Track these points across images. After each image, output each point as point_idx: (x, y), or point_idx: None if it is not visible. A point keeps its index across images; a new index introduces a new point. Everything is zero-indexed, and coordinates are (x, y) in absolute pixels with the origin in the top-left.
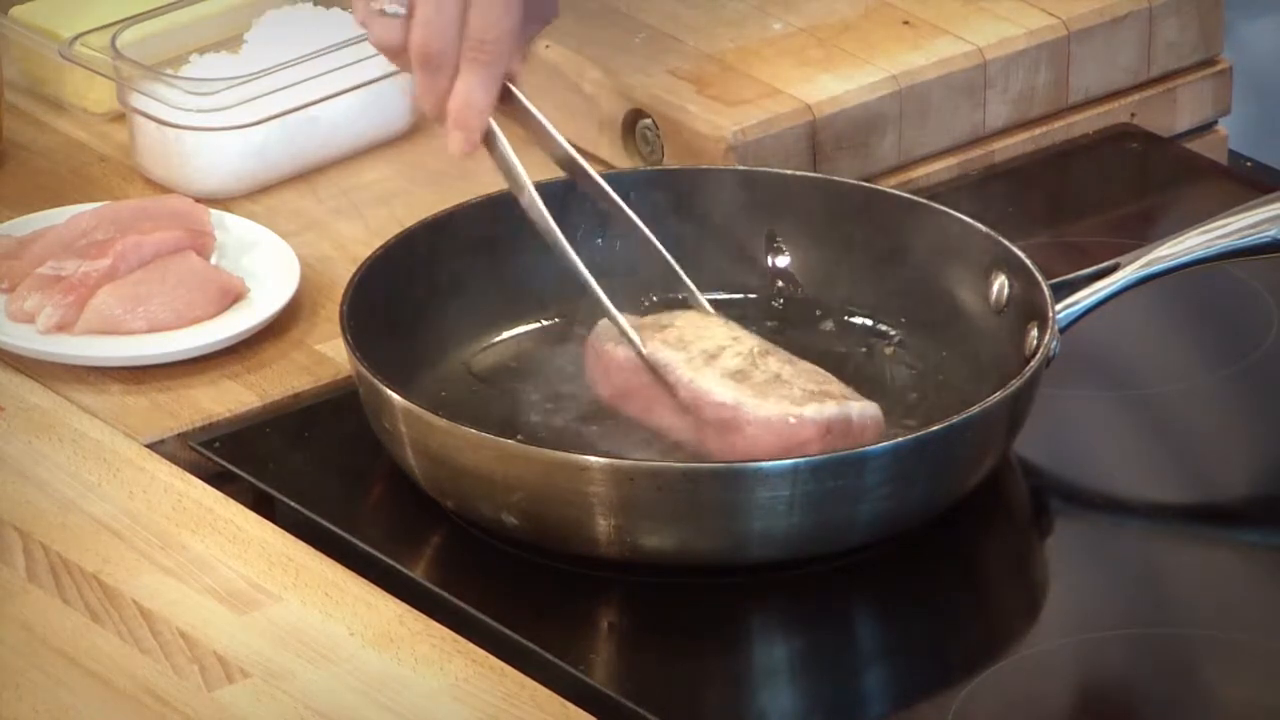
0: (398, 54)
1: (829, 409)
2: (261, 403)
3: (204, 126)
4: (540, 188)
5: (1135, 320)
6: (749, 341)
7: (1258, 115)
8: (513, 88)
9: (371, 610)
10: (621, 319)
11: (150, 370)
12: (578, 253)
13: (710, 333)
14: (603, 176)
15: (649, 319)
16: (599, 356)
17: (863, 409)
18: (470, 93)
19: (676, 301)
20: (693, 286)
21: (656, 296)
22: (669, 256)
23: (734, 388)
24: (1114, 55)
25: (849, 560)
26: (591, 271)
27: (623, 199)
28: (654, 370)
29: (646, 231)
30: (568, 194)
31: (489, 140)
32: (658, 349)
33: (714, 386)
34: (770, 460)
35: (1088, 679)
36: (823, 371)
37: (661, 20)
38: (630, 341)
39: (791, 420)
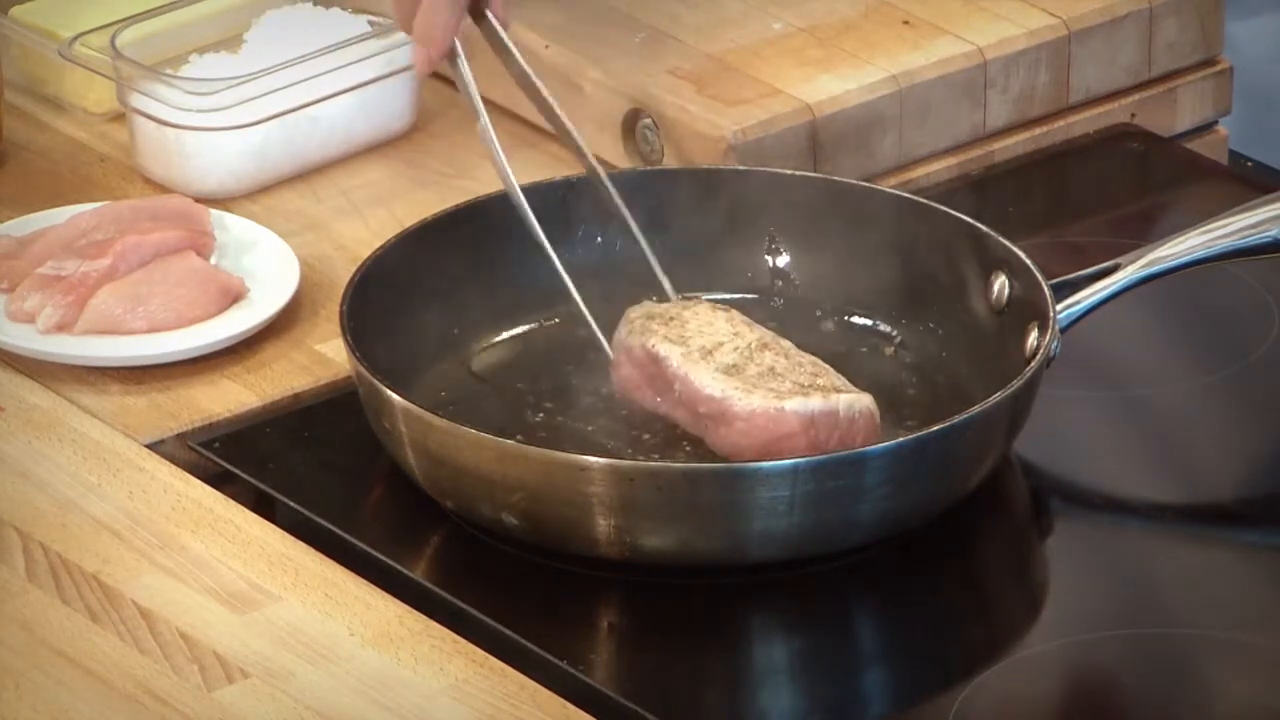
0: None
1: (813, 403)
2: (261, 403)
3: (204, 126)
4: (541, 188)
5: (1135, 320)
6: (750, 336)
7: (1251, 115)
8: (491, 17)
9: (371, 610)
10: (564, 275)
11: (150, 370)
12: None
13: (714, 328)
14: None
15: (664, 307)
16: (618, 348)
17: (851, 402)
18: (432, 8)
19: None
20: (660, 273)
21: (656, 296)
22: (634, 228)
23: (723, 381)
24: (1114, 55)
25: (849, 560)
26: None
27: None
28: (655, 363)
29: (613, 193)
30: (567, 194)
31: (451, 61)
32: (659, 343)
33: (705, 380)
34: (759, 453)
35: (1088, 679)
36: (822, 365)
37: (661, 20)
38: (595, 337)
39: (773, 413)
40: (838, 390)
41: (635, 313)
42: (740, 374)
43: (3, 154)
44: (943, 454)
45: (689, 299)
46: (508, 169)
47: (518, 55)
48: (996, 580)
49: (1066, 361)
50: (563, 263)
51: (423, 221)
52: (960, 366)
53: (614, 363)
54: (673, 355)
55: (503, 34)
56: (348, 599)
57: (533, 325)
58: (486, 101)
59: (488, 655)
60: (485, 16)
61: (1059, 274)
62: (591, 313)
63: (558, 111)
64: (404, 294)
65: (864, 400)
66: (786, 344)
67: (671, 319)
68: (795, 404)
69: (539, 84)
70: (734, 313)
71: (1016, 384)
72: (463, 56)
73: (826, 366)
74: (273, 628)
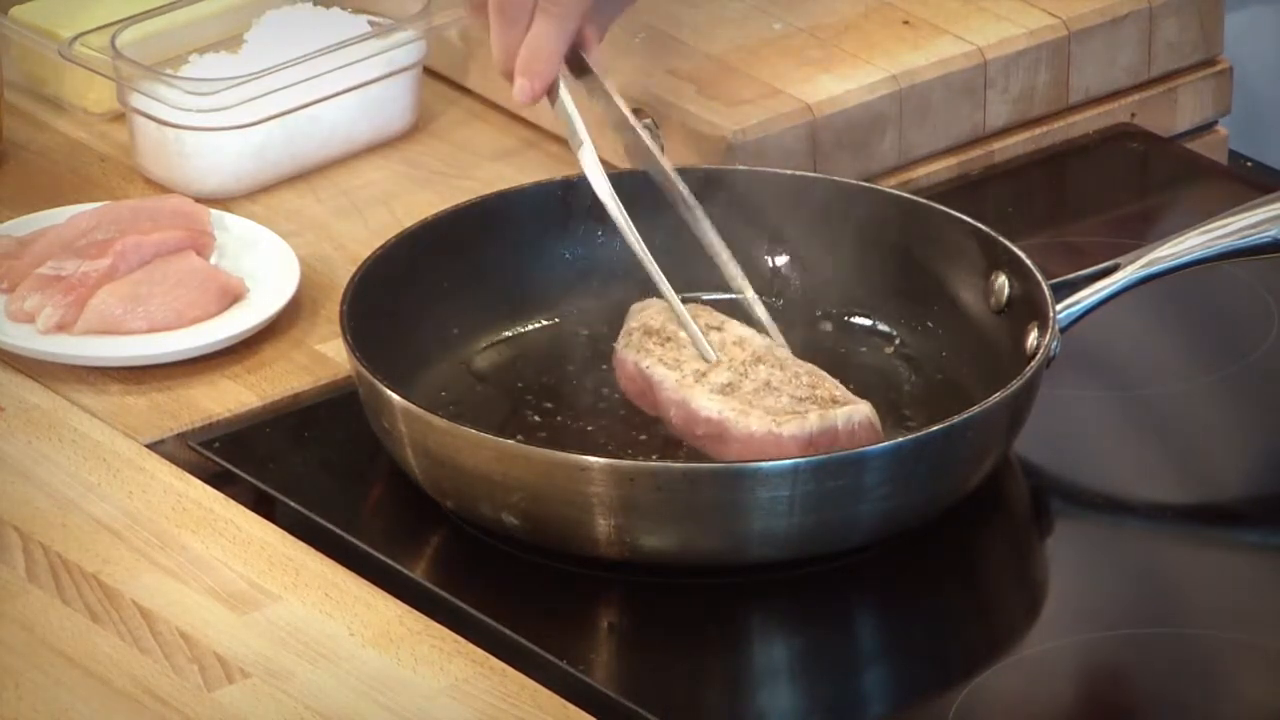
0: (477, 7)
1: (810, 423)
2: (261, 403)
3: (204, 126)
4: (541, 188)
5: (1135, 320)
6: (742, 354)
7: (1251, 114)
8: (585, 58)
9: (371, 610)
10: (674, 299)
11: (150, 370)
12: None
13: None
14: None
15: (661, 320)
16: (616, 360)
17: (850, 414)
18: (540, 39)
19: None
20: (741, 280)
21: (656, 296)
22: (718, 244)
23: (719, 402)
24: (1114, 55)
25: (849, 560)
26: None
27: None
28: (649, 383)
29: (706, 225)
30: (567, 193)
31: (551, 93)
32: (654, 366)
33: (701, 404)
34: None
35: (1088, 679)
36: (818, 372)
37: (661, 20)
38: (685, 325)
39: (770, 440)
40: (835, 402)
41: (634, 321)
42: (736, 392)
43: (3, 154)
44: (942, 454)
45: (689, 302)
46: (615, 205)
47: (619, 102)
48: (996, 580)
49: (1066, 361)
50: (562, 262)
51: (423, 221)
52: (960, 366)
53: (618, 374)
54: (667, 380)
55: (606, 84)
56: (348, 599)
57: (533, 325)
58: (486, 101)
59: (488, 655)
60: (585, 68)
61: (1059, 274)
62: (591, 313)
63: (661, 161)
64: (404, 294)
65: (861, 409)
66: (783, 353)
67: (668, 339)
68: (793, 429)
69: (641, 131)
70: (730, 325)
71: (1016, 384)
72: (565, 88)
73: (823, 374)
74: (273, 628)
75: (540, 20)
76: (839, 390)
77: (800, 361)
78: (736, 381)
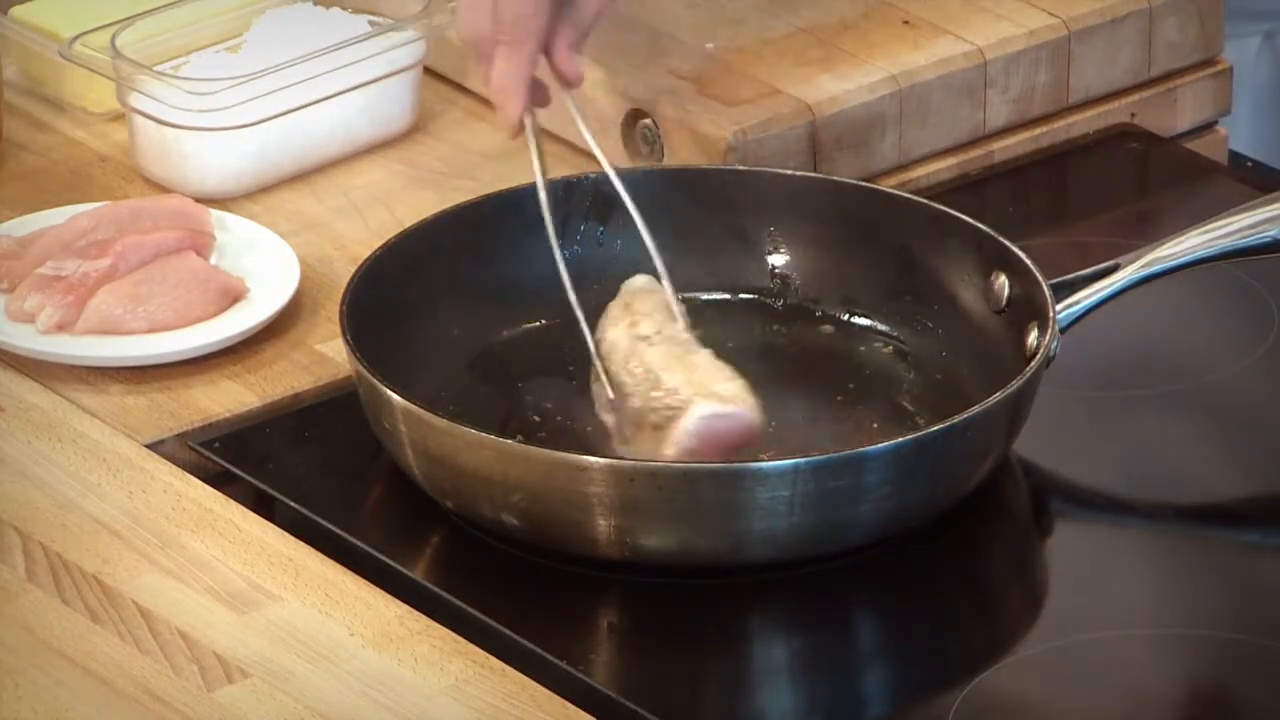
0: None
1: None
2: (261, 403)
3: (204, 126)
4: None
5: (1135, 320)
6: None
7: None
8: (564, 74)
9: (371, 610)
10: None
11: (150, 370)
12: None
13: (616, 351)
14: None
15: (601, 358)
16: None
17: (685, 425)
18: (501, 72)
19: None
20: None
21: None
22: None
23: (617, 437)
24: (1114, 55)
25: (849, 560)
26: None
27: (634, 196)
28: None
29: (645, 235)
30: (567, 193)
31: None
32: (605, 415)
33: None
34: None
35: (1088, 679)
36: (665, 377)
37: (661, 20)
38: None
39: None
40: (673, 415)
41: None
42: (622, 425)
43: (3, 154)
44: (942, 454)
45: (689, 303)
46: (553, 239)
47: (580, 124)
48: (996, 580)
49: (1066, 361)
50: (562, 262)
51: (423, 221)
52: (960, 366)
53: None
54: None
55: (571, 104)
56: (348, 599)
57: (533, 325)
58: (486, 101)
59: (488, 655)
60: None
61: (1059, 274)
62: (591, 313)
63: (599, 157)
64: (404, 294)
65: (695, 414)
66: (649, 358)
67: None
68: (670, 453)
69: (592, 145)
70: (635, 357)
71: (1016, 384)
72: (530, 119)
73: (668, 367)
74: (273, 628)
75: (500, 51)
76: (674, 396)
77: (651, 361)
78: (620, 407)
